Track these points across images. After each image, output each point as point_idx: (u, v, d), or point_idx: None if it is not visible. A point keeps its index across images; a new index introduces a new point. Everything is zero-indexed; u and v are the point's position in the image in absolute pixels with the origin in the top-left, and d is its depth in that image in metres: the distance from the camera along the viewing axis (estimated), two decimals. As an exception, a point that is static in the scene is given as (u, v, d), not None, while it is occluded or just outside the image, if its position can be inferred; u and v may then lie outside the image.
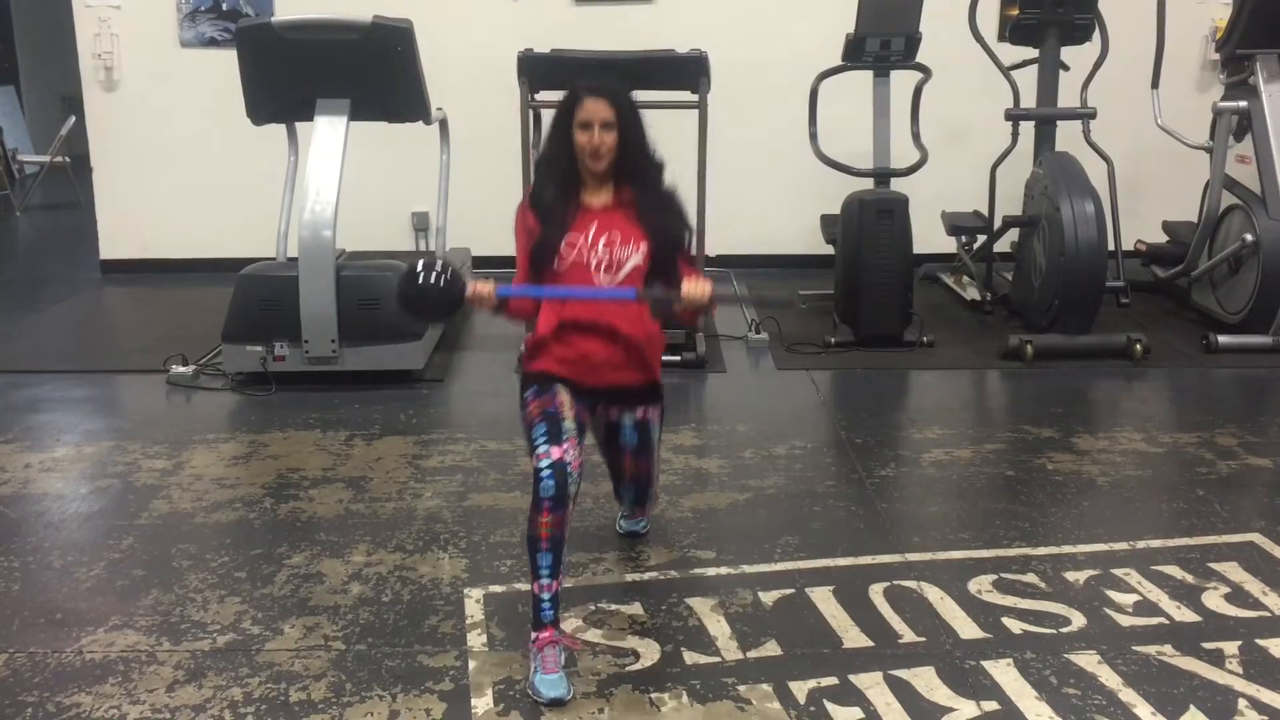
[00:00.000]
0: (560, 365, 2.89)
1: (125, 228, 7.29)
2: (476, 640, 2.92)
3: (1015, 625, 2.98)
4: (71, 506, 3.80)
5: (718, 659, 2.83)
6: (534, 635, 2.73)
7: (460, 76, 6.58)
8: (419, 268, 2.80)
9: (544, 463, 2.70)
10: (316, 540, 3.51)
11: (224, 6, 6.99)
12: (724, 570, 3.30)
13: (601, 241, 2.85)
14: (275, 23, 5.14)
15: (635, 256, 2.86)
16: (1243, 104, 5.67)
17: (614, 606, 3.08)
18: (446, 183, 5.99)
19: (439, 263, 2.81)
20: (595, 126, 2.81)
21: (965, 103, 6.66)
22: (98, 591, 3.20)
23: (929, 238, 6.37)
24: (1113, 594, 3.15)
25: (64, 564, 3.37)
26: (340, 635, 2.95)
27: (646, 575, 3.27)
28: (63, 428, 4.56)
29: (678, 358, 5.21)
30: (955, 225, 6.46)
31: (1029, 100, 5.92)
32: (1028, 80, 5.91)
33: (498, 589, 3.19)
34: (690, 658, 2.83)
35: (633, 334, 2.91)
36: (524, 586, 3.16)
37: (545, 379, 2.89)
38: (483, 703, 2.65)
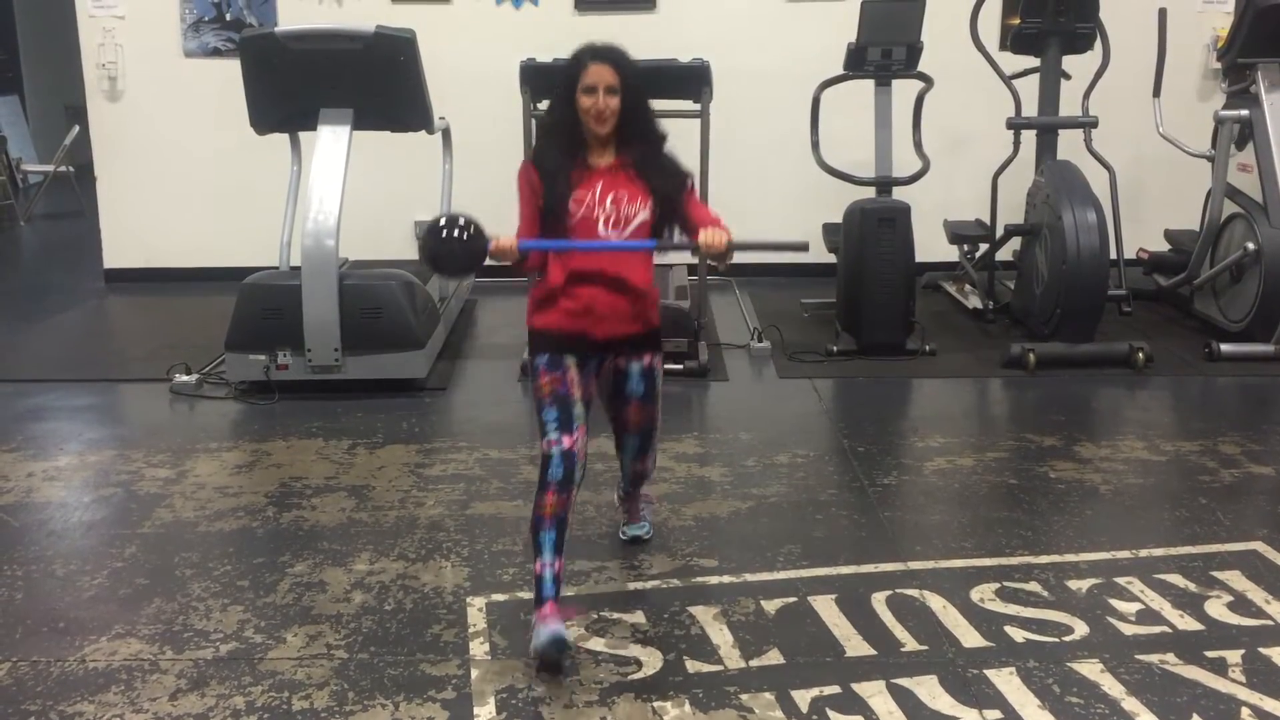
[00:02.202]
0: (567, 318, 2.96)
1: (129, 237, 7.31)
2: (479, 649, 2.92)
3: (1018, 634, 2.98)
4: (74, 515, 3.80)
5: (720, 667, 2.83)
6: (536, 610, 2.82)
7: (463, 86, 6.60)
8: (443, 223, 2.89)
9: (554, 450, 2.87)
10: (319, 549, 3.51)
11: (227, 16, 7.01)
12: (726, 578, 3.30)
13: (609, 199, 2.95)
14: (279, 33, 5.16)
15: (642, 212, 2.97)
16: (1244, 112, 5.67)
17: (616, 615, 3.08)
18: (449, 191, 6.01)
19: (462, 218, 2.90)
20: (600, 91, 2.92)
21: (967, 112, 6.67)
22: (100, 600, 3.20)
23: (931, 246, 6.37)
24: (1115, 602, 3.15)
25: (67, 572, 3.37)
26: (343, 644, 2.95)
27: (649, 584, 3.27)
28: (66, 436, 4.57)
29: (680, 366, 5.21)
30: (957, 234, 6.47)
31: (1030, 109, 5.92)
32: (1029, 89, 5.92)
33: (500, 597, 3.19)
34: (692, 666, 2.83)
35: (638, 283, 2.99)
36: (526, 595, 3.17)
37: (554, 345, 2.97)
38: (485, 711, 2.65)
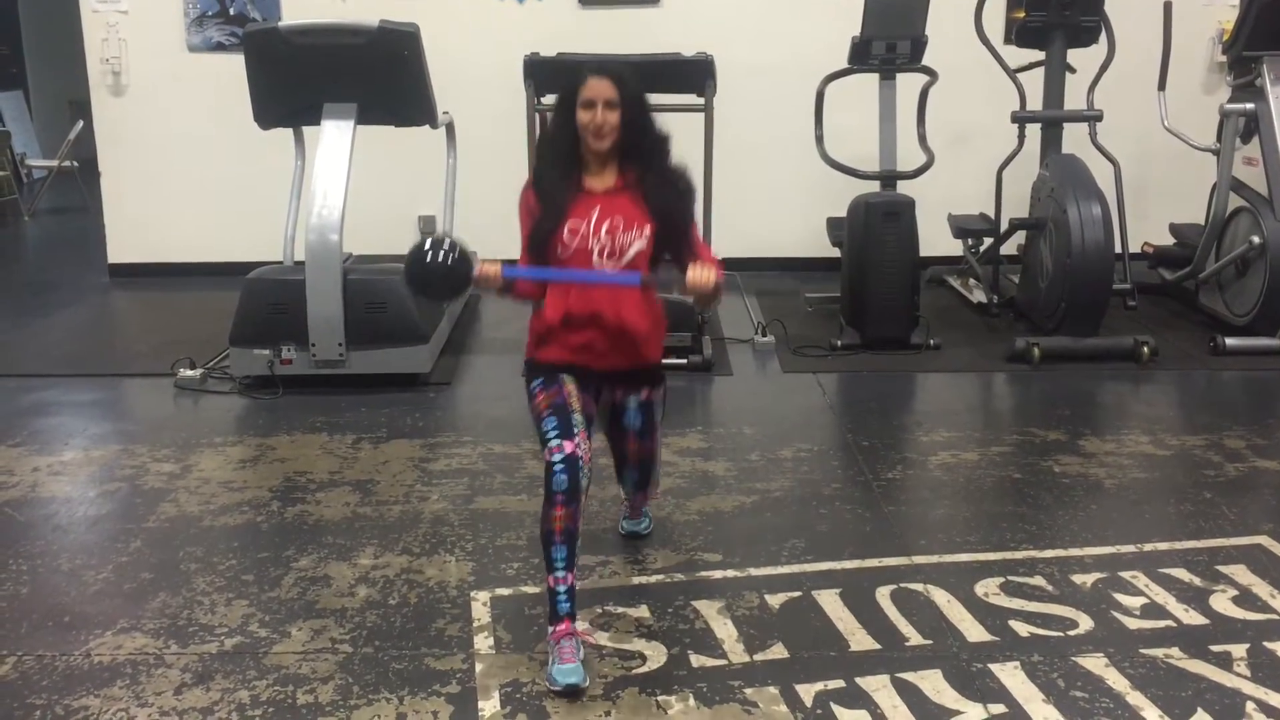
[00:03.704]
0: (566, 351, 2.91)
1: (133, 232, 7.31)
2: (483, 643, 2.92)
3: (1022, 628, 2.98)
4: (79, 510, 3.81)
5: (724, 661, 2.83)
6: (551, 628, 2.76)
7: (467, 80, 6.59)
8: (426, 246, 2.79)
9: (556, 457, 2.74)
10: (324, 543, 3.51)
11: (231, 11, 7.01)
12: (730, 573, 3.30)
13: (604, 228, 2.85)
14: (282, 27, 5.16)
15: (639, 241, 2.86)
16: (1249, 106, 5.66)
17: (620, 609, 3.08)
18: (453, 186, 6.01)
19: (447, 241, 2.80)
20: (599, 105, 2.83)
21: (972, 105, 6.65)
22: (105, 594, 3.21)
23: (935, 240, 6.36)
24: (1120, 597, 3.14)
25: (72, 567, 3.38)
26: (347, 638, 2.95)
27: (653, 578, 3.28)
28: (71, 431, 4.58)
29: (684, 360, 5.21)
30: (962, 228, 6.46)
31: (1035, 103, 5.91)
32: (1034, 83, 5.90)
33: (504, 592, 3.19)
34: (697, 660, 2.83)
35: (635, 322, 2.91)
36: (531, 589, 3.18)
37: (551, 369, 2.91)
38: (490, 705, 2.65)
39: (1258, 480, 4.00)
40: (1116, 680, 2.74)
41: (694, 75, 5.35)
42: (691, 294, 2.77)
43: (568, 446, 2.75)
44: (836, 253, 6.00)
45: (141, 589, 3.23)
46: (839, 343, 5.55)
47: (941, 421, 4.60)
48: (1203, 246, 5.86)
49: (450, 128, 5.96)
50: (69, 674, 2.80)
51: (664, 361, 3.10)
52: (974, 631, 2.96)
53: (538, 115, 5.58)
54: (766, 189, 7.13)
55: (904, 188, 5.67)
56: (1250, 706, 2.63)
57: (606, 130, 2.83)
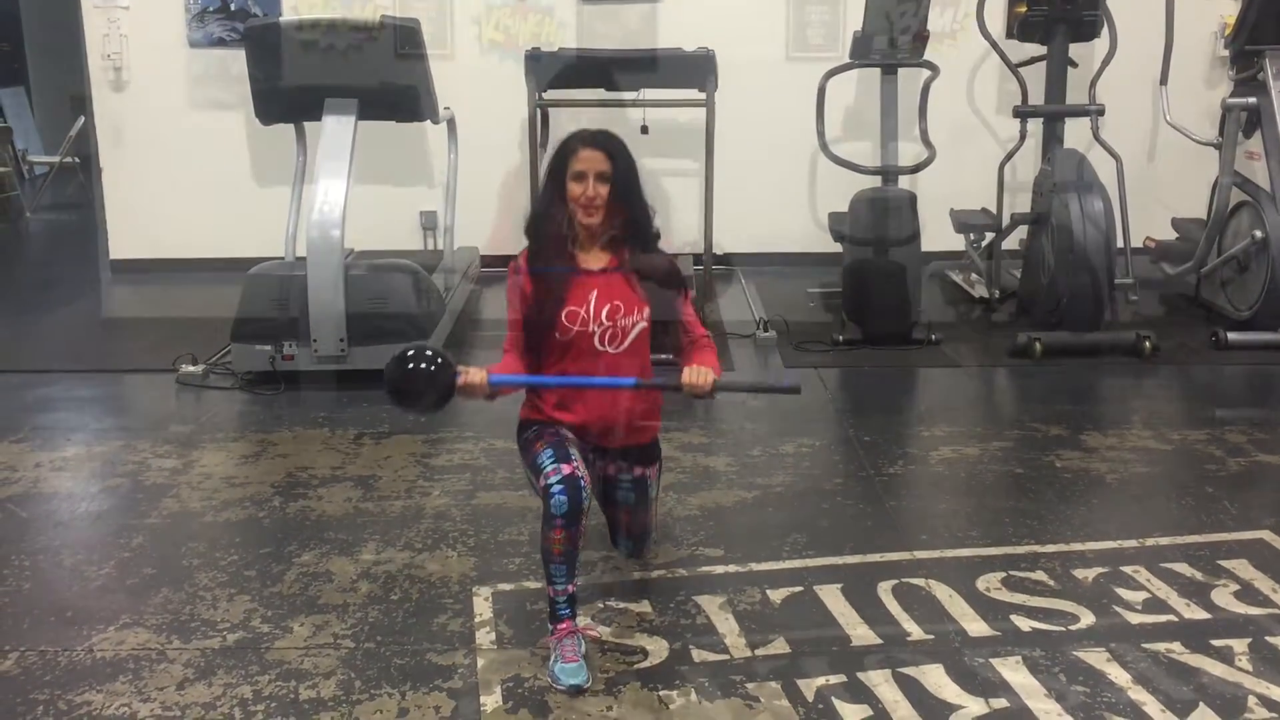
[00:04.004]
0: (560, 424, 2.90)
1: (134, 227, 7.32)
2: (485, 638, 2.93)
3: (1024, 623, 2.98)
4: (82, 505, 3.81)
5: (726, 656, 2.83)
6: (552, 627, 2.76)
7: (468, 76, 6.59)
8: (407, 354, 2.74)
9: (554, 478, 2.67)
10: (325, 539, 3.52)
11: (232, 7, 7.01)
12: (732, 568, 3.30)
13: (604, 312, 2.83)
14: (283, 23, 5.18)
15: (640, 323, 2.86)
16: (1252, 100, 5.65)
17: (622, 604, 3.08)
18: (454, 182, 6.01)
19: (429, 349, 2.74)
20: (590, 177, 2.77)
21: (973, 100, 6.65)
22: (108, 590, 3.21)
23: (937, 235, 6.36)
24: (1122, 591, 3.14)
25: (74, 563, 3.38)
26: (349, 633, 2.96)
27: (655, 573, 3.28)
28: (73, 427, 4.58)
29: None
30: (963, 223, 6.45)
31: (1037, 97, 5.90)
32: (1036, 77, 5.90)
33: (506, 587, 3.19)
34: (699, 655, 2.84)
35: (631, 410, 2.92)
36: (533, 584, 3.18)
37: (544, 423, 2.90)
38: (491, 700, 2.66)
39: (1259, 475, 3.99)
40: (1118, 675, 2.74)
41: (696, 70, 5.36)
42: (688, 394, 2.76)
43: (565, 468, 2.67)
44: (838, 247, 6.00)
45: (144, 584, 3.23)
46: (841, 338, 5.55)
47: (943, 416, 4.60)
48: (1205, 241, 5.86)
49: (451, 123, 5.96)
50: (71, 669, 2.80)
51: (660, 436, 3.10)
52: (975, 626, 2.96)
53: (539, 111, 5.58)
54: (768, 184, 7.12)
55: (905, 182, 5.67)
56: (1252, 701, 2.63)
57: (598, 203, 2.78)
